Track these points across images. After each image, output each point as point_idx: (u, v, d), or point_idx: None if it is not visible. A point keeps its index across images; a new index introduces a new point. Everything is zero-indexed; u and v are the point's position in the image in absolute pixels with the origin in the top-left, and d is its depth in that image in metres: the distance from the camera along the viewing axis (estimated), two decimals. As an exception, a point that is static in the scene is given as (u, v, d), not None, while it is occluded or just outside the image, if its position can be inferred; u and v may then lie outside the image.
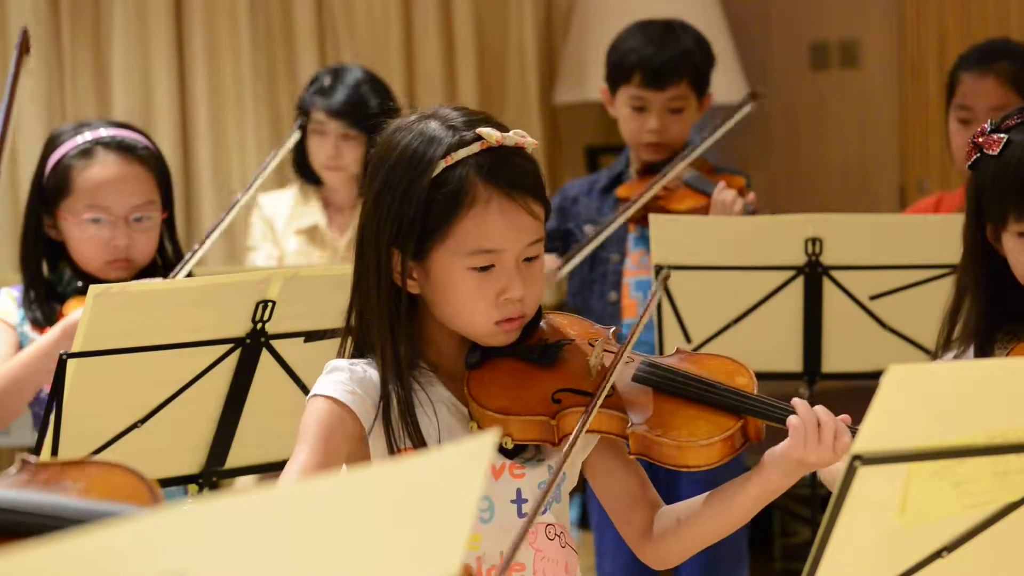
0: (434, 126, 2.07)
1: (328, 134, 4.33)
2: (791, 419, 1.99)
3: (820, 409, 2.01)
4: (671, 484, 3.44)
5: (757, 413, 2.04)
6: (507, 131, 2.08)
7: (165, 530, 1.13)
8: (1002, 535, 1.64)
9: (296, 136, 4.11)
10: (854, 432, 1.99)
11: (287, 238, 4.36)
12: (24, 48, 1.67)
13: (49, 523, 1.42)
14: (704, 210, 3.57)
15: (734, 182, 3.64)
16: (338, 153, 4.32)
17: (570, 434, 2.03)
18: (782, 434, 2.03)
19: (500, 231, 2.04)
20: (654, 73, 3.72)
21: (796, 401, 2.02)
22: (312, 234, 4.37)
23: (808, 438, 1.98)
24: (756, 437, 2.06)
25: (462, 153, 2.04)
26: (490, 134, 2.05)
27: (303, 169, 4.44)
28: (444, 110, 2.10)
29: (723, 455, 2.03)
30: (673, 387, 2.08)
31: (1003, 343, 2.29)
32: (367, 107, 4.31)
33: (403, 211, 2.04)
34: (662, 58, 3.72)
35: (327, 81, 4.38)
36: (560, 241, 3.81)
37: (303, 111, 4.41)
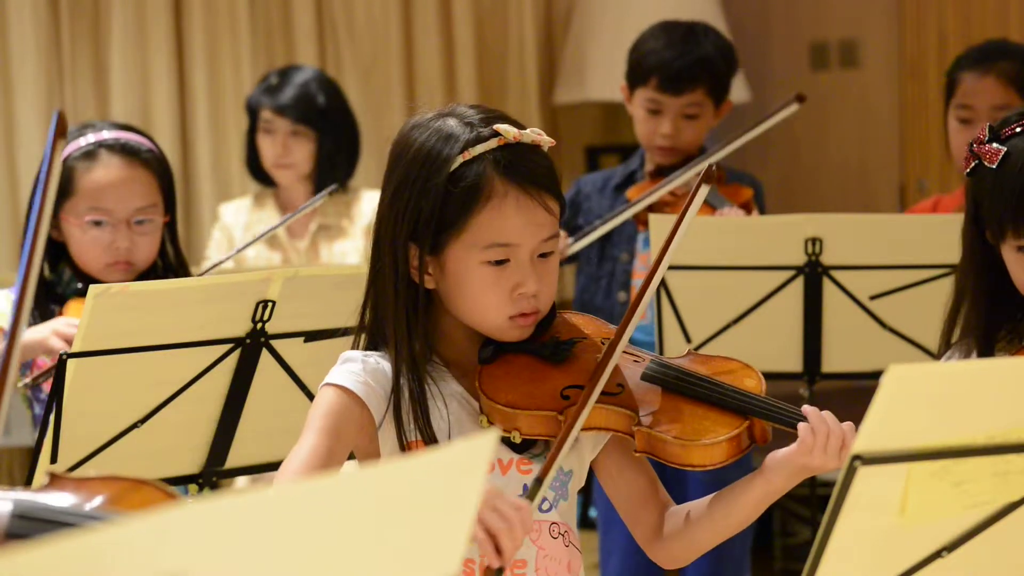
0: (451, 123, 2.09)
1: (276, 132, 4.33)
2: (801, 426, 2.01)
3: (829, 416, 2.02)
4: (680, 484, 3.44)
5: (763, 415, 2.05)
6: (524, 129, 2.10)
7: (165, 530, 1.13)
8: (1002, 535, 1.64)
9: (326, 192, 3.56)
10: None
11: None
12: (60, 132, 1.60)
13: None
14: None
15: (741, 194, 3.62)
16: (287, 151, 4.32)
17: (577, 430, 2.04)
18: (788, 436, 2.03)
19: (516, 225, 2.06)
20: (671, 78, 3.67)
21: (807, 409, 2.03)
22: (271, 240, 4.36)
23: (816, 446, 2.00)
24: (762, 439, 2.07)
25: (480, 149, 2.06)
26: (508, 130, 2.07)
27: (256, 171, 4.45)
28: (461, 108, 2.12)
29: (728, 455, 2.04)
30: (681, 386, 2.09)
31: (1005, 343, 2.29)
32: (315, 104, 4.31)
33: (421, 206, 2.06)
34: (680, 64, 3.66)
35: (274, 80, 4.39)
36: (570, 235, 3.79)
37: (251, 111, 4.41)
